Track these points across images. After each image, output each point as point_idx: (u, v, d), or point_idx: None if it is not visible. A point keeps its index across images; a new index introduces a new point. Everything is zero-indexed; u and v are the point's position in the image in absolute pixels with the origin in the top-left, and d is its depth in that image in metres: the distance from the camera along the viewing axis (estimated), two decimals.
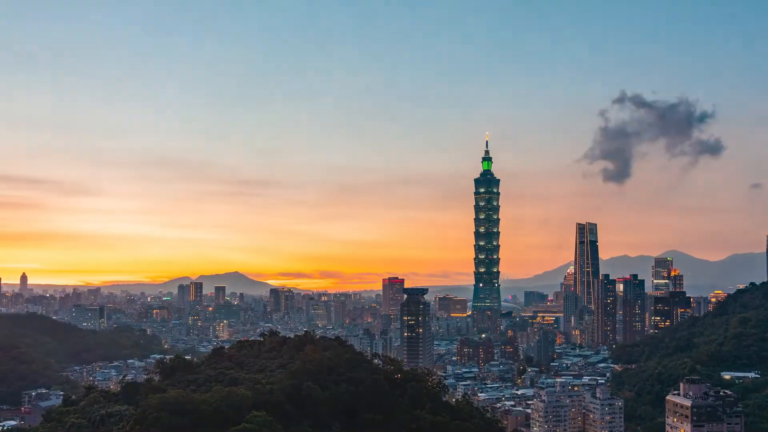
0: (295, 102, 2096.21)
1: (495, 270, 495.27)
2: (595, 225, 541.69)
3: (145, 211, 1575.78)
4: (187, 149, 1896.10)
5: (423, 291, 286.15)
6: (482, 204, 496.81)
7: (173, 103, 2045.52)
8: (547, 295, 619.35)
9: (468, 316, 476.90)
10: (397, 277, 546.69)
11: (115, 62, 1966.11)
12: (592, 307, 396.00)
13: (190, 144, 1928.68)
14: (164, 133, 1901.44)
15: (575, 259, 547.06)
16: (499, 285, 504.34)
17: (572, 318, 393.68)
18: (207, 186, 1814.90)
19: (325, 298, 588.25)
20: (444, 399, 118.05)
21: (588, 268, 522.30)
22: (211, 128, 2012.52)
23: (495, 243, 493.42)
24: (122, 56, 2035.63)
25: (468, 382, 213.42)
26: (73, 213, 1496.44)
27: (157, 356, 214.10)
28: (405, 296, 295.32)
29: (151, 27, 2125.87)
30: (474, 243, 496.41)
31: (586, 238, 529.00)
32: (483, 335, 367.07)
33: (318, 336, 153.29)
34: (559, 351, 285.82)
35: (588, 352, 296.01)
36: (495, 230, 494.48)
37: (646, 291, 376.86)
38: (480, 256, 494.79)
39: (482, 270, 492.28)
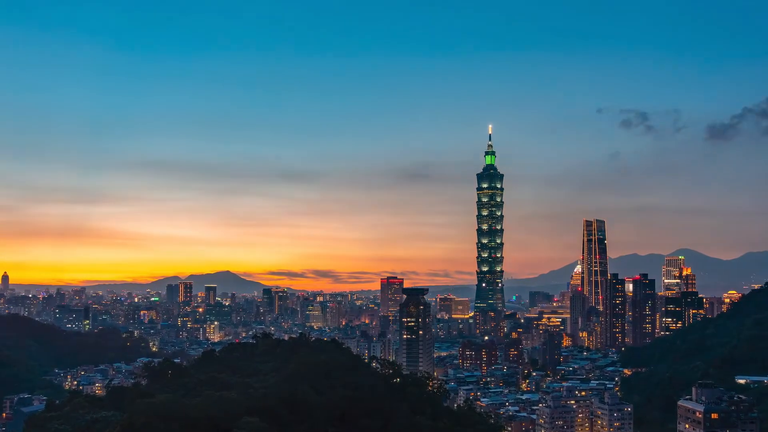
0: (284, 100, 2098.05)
1: (498, 269, 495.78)
2: (603, 222, 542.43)
3: (132, 208, 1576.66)
4: (174, 148, 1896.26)
5: (423, 291, 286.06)
6: (485, 200, 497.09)
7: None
8: (553, 296, 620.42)
9: (470, 317, 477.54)
10: (395, 277, 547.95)
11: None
12: (600, 308, 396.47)
13: (177, 143, 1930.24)
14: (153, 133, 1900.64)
15: (582, 258, 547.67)
16: (502, 285, 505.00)
17: (579, 319, 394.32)
18: (194, 183, 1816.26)
19: (321, 299, 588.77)
20: (445, 404, 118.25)
21: (596, 267, 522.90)
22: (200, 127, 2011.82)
23: (498, 241, 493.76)
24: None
25: (470, 386, 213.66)
26: (56, 210, 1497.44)
27: (145, 359, 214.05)
28: (404, 296, 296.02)
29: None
30: (476, 241, 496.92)
31: (594, 235, 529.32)
32: (486, 337, 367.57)
33: (313, 338, 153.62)
34: (565, 354, 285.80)
35: (596, 355, 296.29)
36: (498, 227, 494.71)
37: (656, 291, 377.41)
38: (483, 255, 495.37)
39: (485, 269, 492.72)
